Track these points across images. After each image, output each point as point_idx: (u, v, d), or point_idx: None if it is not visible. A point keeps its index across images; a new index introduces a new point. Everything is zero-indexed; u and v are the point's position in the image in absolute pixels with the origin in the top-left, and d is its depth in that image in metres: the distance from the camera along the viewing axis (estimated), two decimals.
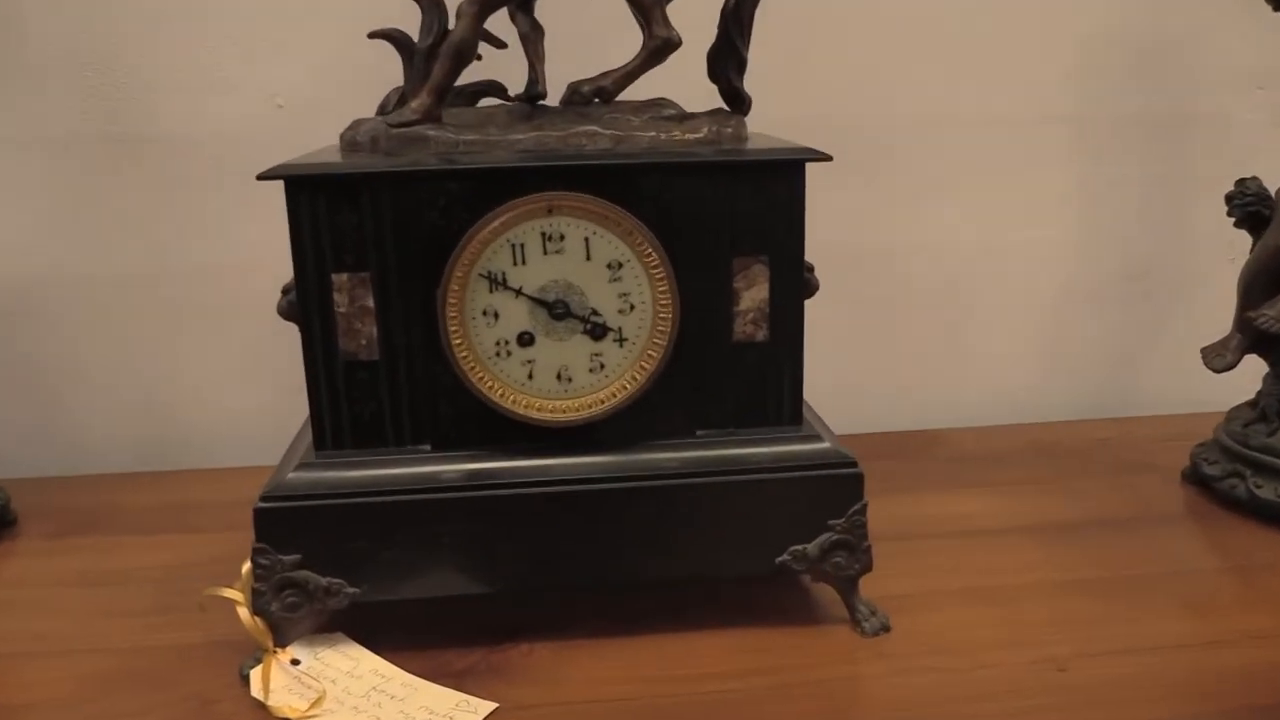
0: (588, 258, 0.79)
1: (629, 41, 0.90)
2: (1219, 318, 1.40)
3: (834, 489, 0.84)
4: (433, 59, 0.87)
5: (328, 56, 1.17)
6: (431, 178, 0.77)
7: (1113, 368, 1.41)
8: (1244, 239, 1.39)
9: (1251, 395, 1.13)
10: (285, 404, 1.13)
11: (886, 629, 0.86)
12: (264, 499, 0.80)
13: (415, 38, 0.89)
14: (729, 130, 0.85)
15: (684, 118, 0.85)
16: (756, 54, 0.86)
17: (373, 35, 0.88)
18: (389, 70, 1.11)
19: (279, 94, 1.20)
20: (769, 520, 0.84)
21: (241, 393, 1.28)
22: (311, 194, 0.77)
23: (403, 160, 0.78)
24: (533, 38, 0.83)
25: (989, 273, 1.35)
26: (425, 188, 0.77)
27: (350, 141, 0.85)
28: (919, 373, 1.37)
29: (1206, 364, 1.12)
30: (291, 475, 0.80)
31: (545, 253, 0.79)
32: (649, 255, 0.80)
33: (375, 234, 0.78)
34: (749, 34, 0.87)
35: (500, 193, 0.77)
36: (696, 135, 0.82)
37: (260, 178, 0.76)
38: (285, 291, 0.87)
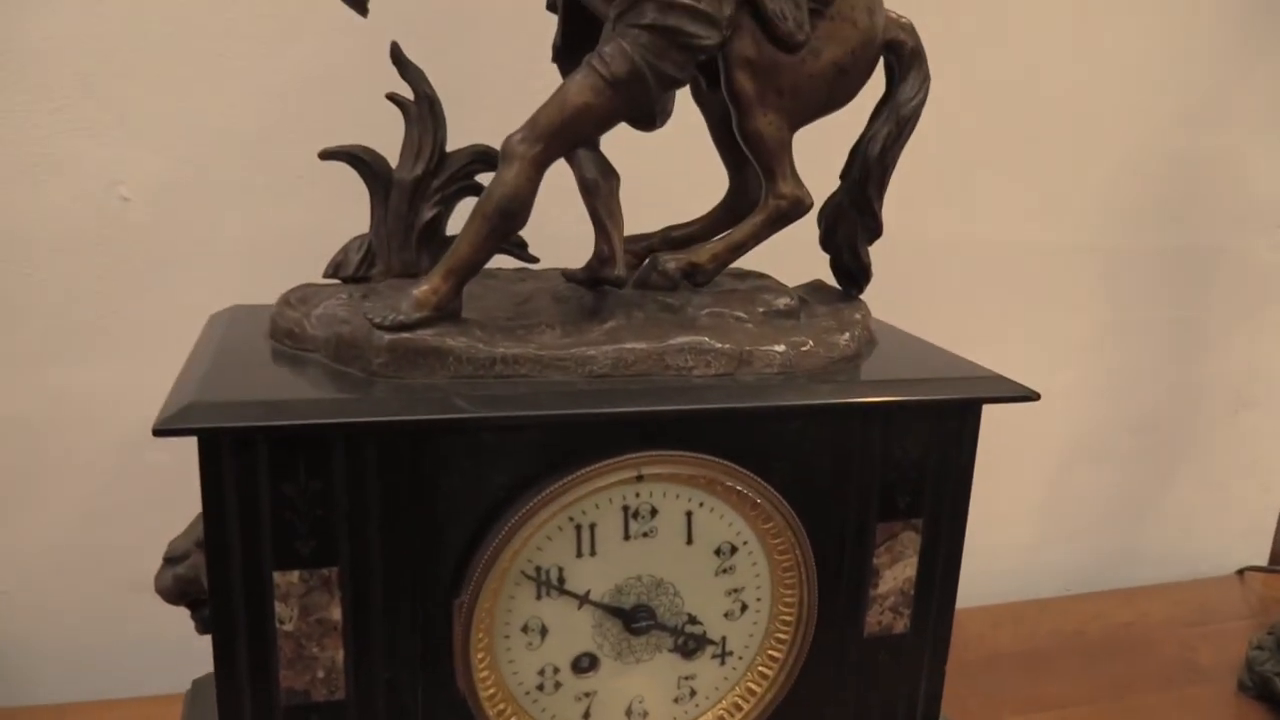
0: (689, 541, 0.52)
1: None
2: (1222, 476, 1.28)
3: None
4: (421, 199, 0.57)
5: (195, 130, 0.83)
6: (454, 430, 0.47)
7: (1115, 528, 1.25)
8: (1250, 389, 1.28)
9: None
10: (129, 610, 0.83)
11: None
12: None
13: (393, 160, 0.58)
14: (864, 333, 0.59)
15: (794, 308, 0.58)
16: None
17: (325, 155, 0.57)
18: (278, 154, 0.81)
19: (123, 180, 0.84)
20: None
21: (65, 593, 0.90)
22: (245, 454, 0.45)
23: (404, 399, 0.47)
24: (602, 189, 0.53)
25: (994, 426, 1.15)
26: (443, 443, 0.47)
27: (290, 332, 0.53)
28: None
29: None
30: None
31: (627, 537, 0.50)
32: (777, 535, 0.52)
33: (352, 510, 0.47)
34: (886, 188, 0.62)
35: (565, 451, 0.48)
36: (840, 343, 0.56)
37: (160, 432, 0.43)
38: (171, 560, 0.54)
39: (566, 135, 0.48)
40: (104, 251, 0.84)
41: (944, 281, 1.07)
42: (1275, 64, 1.13)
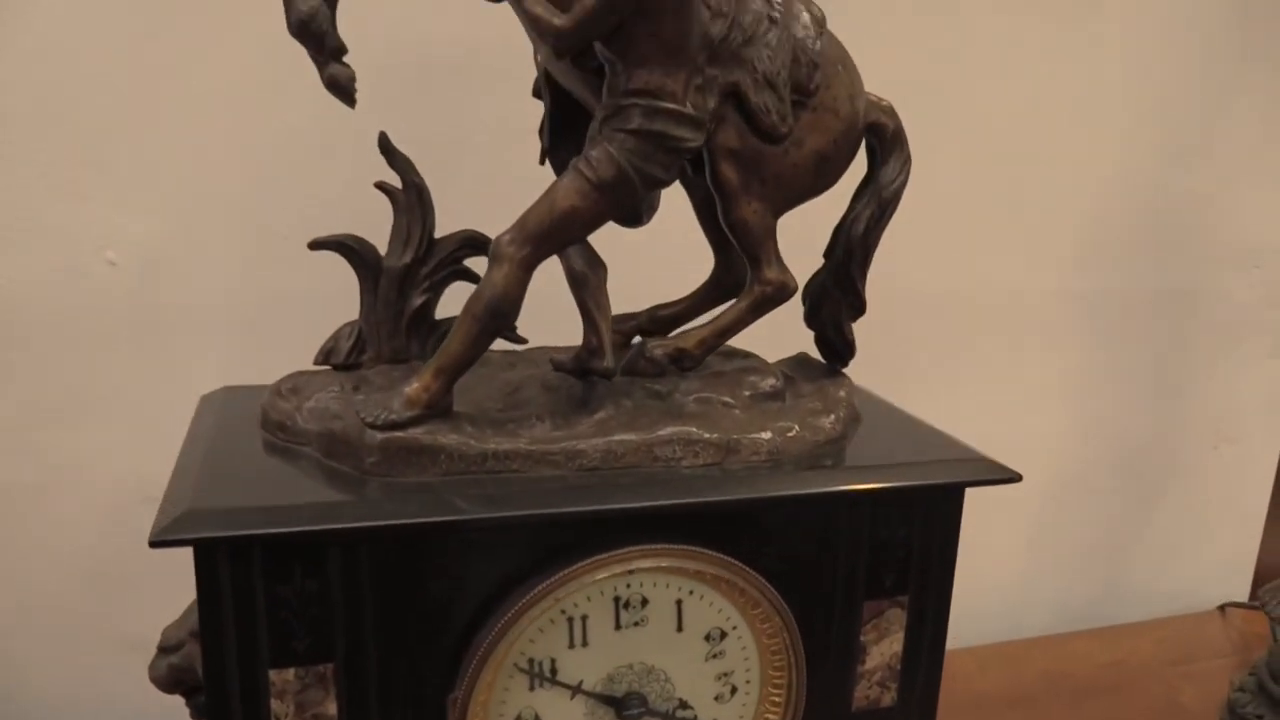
0: (679, 628, 0.52)
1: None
2: (1203, 511, 1.30)
3: None
4: (410, 286, 0.58)
5: (181, 194, 0.83)
6: (444, 532, 0.48)
7: (1099, 565, 1.27)
8: (1229, 423, 1.30)
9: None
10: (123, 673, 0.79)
11: None
12: None
13: (381, 248, 0.59)
14: (849, 411, 0.60)
15: (779, 390, 0.59)
16: None
17: (315, 245, 0.57)
18: (264, 215, 0.82)
19: (110, 245, 0.84)
20: None
21: (58, 655, 0.90)
22: (241, 559, 0.46)
23: (398, 501, 0.48)
24: (591, 280, 0.54)
25: None
26: (436, 541, 0.48)
27: (282, 425, 0.54)
28: None
29: (1268, 612, 0.97)
30: None
31: (619, 627, 0.51)
32: (765, 619, 0.53)
33: (347, 608, 0.48)
34: (868, 266, 0.63)
35: (557, 546, 0.49)
36: (825, 426, 0.57)
37: (157, 543, 0.44)
38: (166, 649, 0.55)
39: (555, 237, 0.49)
40: (92, 315, 0.84)
41: (923, 326, 1.08)
42: (1250, 107, 1.15)
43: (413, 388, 0.50)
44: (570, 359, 0.55)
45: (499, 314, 0.49)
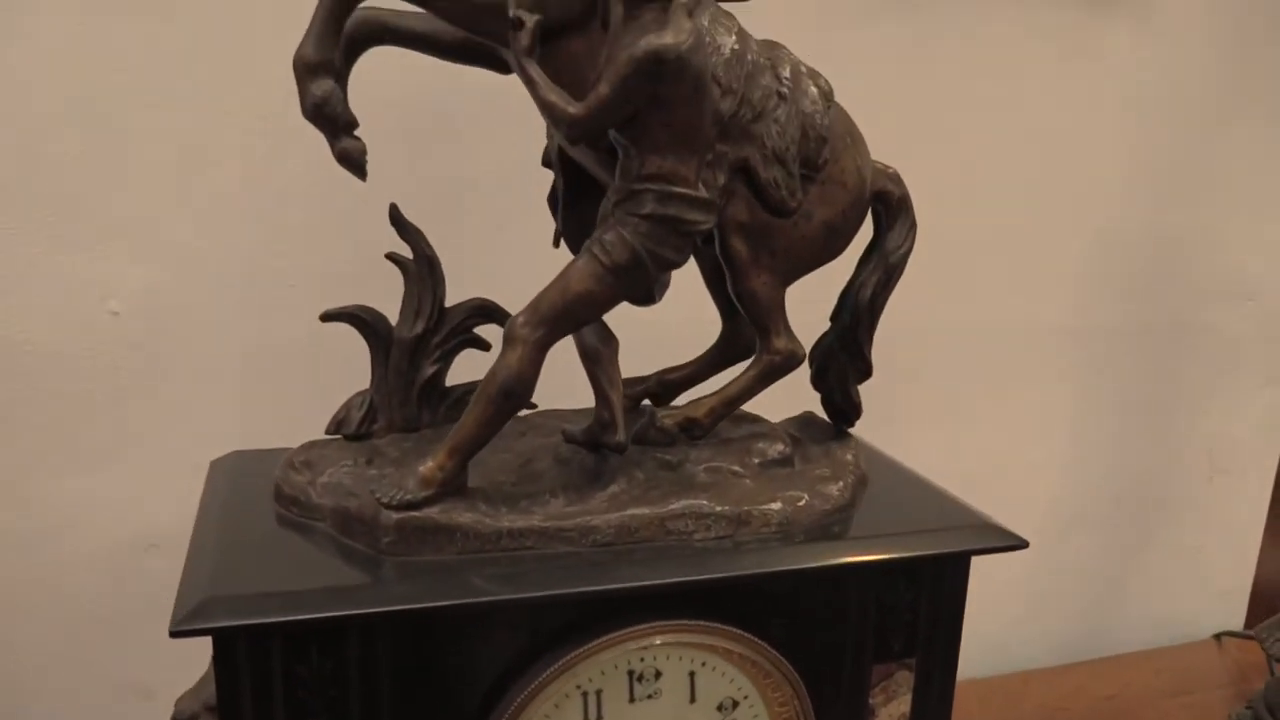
0: (692, 700, 0.53)
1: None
2: (1199, 541, 1.31)
3: None
4: (421, 356, 0.58)
5: (184, 244, 0.83)
6: (461, 617, 0.48)
7: (1096, 596, 1.28)
8: (1223, 453, 1.31)
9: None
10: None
11: None
12: None
13: (392, 318, 0.59)
14: (856, 474, 0.60)
15: (788, 456, 0.60)
16: None
17: (327, 317, 0.58)
18: (267, 265, 0.82)
19: (113, 295, 0.84)
20: None
21: (66, 702, 0.90)
22: (260, 642, 0.46)
23: (416, 583, 0.48)
24: (603, 355, 0.54)
25: (977, 500, 1.17)
26: (453, 621, 0.48)
27: (295, 499, 0.54)
28: None
29: (1265, 649, 0.98)
30: None
31: (633, 700, 0.52)
32: (776, 689, 0.54)
33: (365, 687, 0.48)
34: (874, 330, 0.64)
35: (572, 624, 0.50)
36: (833, 493, 0.57)
37: (178, 633, 0.44)
38: None
39: (568, 320, 0.50)
40: (95, 365, 0.85)
41: (919, 362, 1.09)
42: (1242, 141, 1.17)
43: (427, 467, 0.50)
44: (582, 432, 0.56)
45: (513, 395, 0.49)
